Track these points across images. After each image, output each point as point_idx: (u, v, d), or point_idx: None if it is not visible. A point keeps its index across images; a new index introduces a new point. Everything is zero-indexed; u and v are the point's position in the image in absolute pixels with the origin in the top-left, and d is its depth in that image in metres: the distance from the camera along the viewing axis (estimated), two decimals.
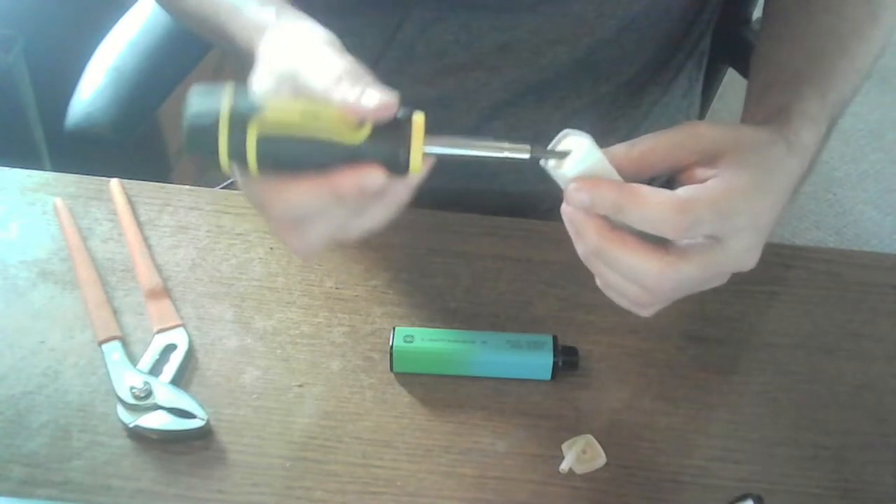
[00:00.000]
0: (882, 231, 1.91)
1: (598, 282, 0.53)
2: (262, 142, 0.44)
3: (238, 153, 0.44)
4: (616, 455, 0.59)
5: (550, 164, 0.49)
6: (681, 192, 0.49)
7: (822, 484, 0.59)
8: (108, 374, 0.61)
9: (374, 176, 0.45)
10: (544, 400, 0.62)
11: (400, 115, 0.45)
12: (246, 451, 0.59)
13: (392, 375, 0.63)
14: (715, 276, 0.52)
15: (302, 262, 0.68)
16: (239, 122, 0.44)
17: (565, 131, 0.50)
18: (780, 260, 0.71)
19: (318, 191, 0.45)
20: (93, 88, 0.87)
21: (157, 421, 0.59)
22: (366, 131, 0.45)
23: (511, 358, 0.62)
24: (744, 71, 0.91)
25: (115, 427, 0.59)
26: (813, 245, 1.67)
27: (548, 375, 0.62)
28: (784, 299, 0.69)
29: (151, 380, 0.60)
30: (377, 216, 0.48)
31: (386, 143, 0.45)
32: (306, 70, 0.46)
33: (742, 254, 0.52)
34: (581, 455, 0.58)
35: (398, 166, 0.45)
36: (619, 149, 0.51)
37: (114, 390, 0.60)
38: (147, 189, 0.73)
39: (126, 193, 0.72)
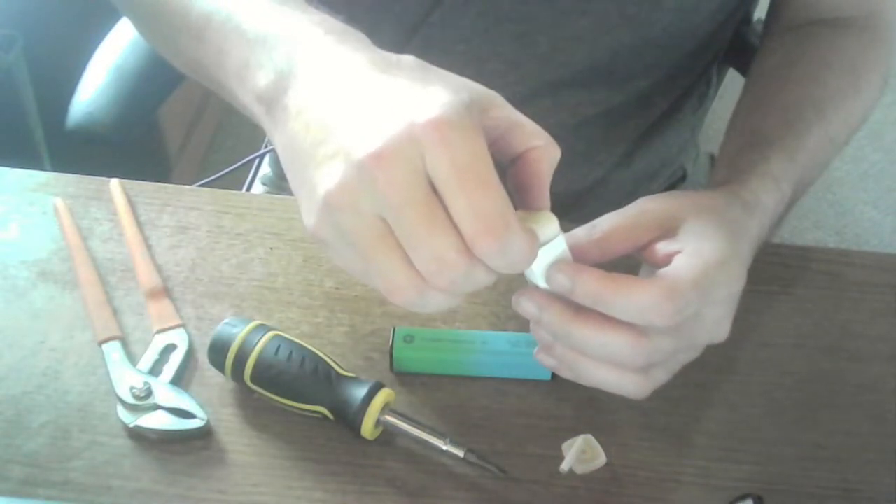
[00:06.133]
0: (882, 231, 1.91)
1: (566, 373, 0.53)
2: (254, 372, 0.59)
3: (237, 376, 0.59)
4: (616, 455, 0.59)
5: None
6: (662, 277, 0.48)
7: (822, 484, 0.59)
8: (108, 374, 0.61)
9: None
10: (544, 400, 0.62)
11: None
12: (246, 451, 0.59)
13: (392, 375, 0.63)
14: (688, 347, 0.52)
15: (302, 261, 0.68)
16: (241, 356, 0.59)
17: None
18: (780, 260, 0.71)
19: None
20: (93, 88, 0.87)
21: (157, 421, 0.59)
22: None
23: (511, 358, 0.62)
24: (744, 71, 0.91)
25: (115, 427, 0.59)
26: (813, 245, 1.66)
27: (548, 375, 0.62)
28: (784, 299, 0.69)
29: (151, 380, 0.60)
30: None
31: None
32: None
33: (715, 325, 0.51)
34: (581, 455, 0.58)
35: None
36: (580, 233, 0.50)
37: (114, 390, 0.60)
38: (147, 189, 0.73)
39: (126, 193, 0.72)
